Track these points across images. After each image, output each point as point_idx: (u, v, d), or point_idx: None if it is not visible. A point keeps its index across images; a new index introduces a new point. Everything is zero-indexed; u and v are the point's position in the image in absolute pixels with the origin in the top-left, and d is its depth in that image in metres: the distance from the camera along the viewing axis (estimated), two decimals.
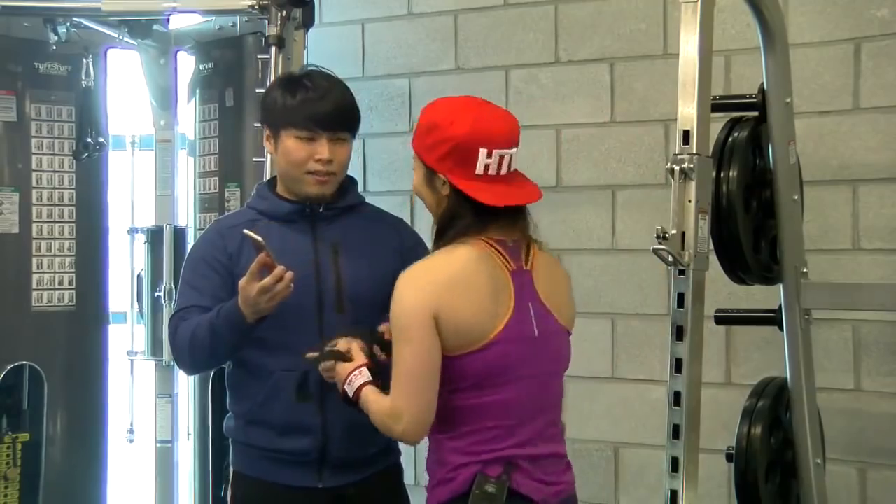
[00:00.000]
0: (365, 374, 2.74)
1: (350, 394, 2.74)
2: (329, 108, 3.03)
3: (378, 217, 3.26)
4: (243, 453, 3.15)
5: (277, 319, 2.91)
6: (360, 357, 2.78)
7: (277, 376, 3.02)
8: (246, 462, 3.14)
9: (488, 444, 2.62)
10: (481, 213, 2.63)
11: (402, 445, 3.22)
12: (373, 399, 2.69)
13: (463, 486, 2.61)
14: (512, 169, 2.67)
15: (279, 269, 2.80)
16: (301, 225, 3.06)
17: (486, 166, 2.62)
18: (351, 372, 2.75)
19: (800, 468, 3.48)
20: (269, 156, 3.83)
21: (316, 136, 3.02)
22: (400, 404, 2.60)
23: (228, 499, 3.23)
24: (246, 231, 2.84)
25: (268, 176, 3.82)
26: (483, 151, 2.61)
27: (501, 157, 2.63)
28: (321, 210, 3.10)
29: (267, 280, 2.79)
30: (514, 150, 2.66)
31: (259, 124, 3.20)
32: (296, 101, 3.03)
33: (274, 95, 3.09)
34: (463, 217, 2.63)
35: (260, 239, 2.79)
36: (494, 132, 2.64)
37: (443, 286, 2.58)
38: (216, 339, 2.94)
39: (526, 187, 2.70)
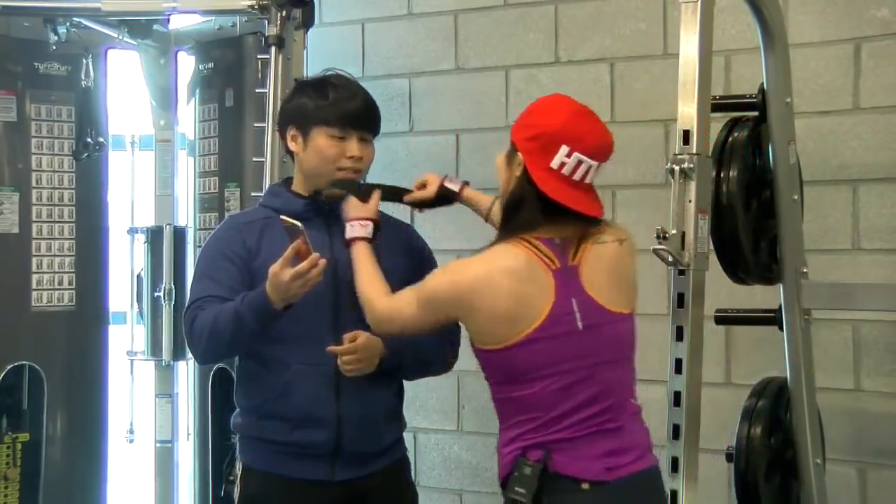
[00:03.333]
0: (369, 231, 3.02)
1: (347, 235, 3.02)
2: (359, 107, 3.13)
3: (386, 219, 3.28)
4: (255, 448, 3.15)
5: (295, 314, 2.94)
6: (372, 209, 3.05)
7: (294, 369, 3.04)
8: (258, 456, 3.14)
9: (532, 433, 2.69)
10: (542, 208, 2.70)
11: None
12: (373, 275, 2.95)
13: (505, 469, 2.72)
14: (588, 180, 2.72)
15: (314, 255, 2.84)
16: (316, 222, 3.08)
17: (563, 164, 2.68)
18: (359, 218, 3.01)
19: (800, 468, 3.48)
20: (270, 156, 3.84)
21: (347, 134, 3.10)
22: (399, 316, 2.86)
23: (237, 494, 3.23)
24: (283, 217, 2.88)
25: (267, 176, 3.82)
26: (565, 149, 2.67)
27: (580, 162, 2.68)
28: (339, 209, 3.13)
29: (302, 265, 2.82)
30: (596, 164, 2.71)
31: (279, 128, 3.21)
32: (328, 100, 3.10)
33: (303, 97, 3.15)
34: (526, 207, 2.71)
35: (298, 224, 2.83)
36: (584, 137, 2.69)
37: (469, 284, 2.70)
38: (239, 325, 2.96)
39: (592, 201, 2.76)
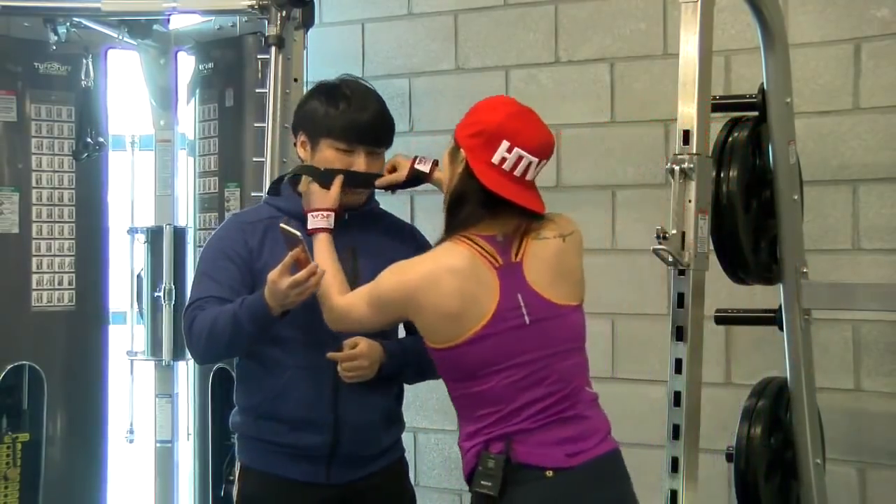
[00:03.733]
0: (330, 222, 3.00)
1: (309, 226, 2.99)
2: (369, 122, 3.08)
3: (391, 222, 3.29)
4: (252, 448, 3.15)
5: (296, 317, 2.94)
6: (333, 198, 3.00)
7: (292, 372, 3.05)
8: (255, 456, 3.14)
9: (491, 427, 2.74)
10: (484, 201, 2.76)
11: (404, 443, 3.26)
12: (333, 270, 2.93)
13: (469, 464, 2.78)
14: (529, 177, 2.78)
15: (312, 264, 2.83)
16: None
17: (503, 159, 2.74)
18: (321, 209, 3.00)
19: (800, 468, 3.48)
20: (270, 156, 3.84)
21: (354, 148, 3.06)
22: (353, 314, 2.89)
23: (234, 493, 3.23)
24: (282, 225, 2.87)
25: (267, 176, 3.82)
26: (505, 144, 2.74)
27: (520, 157, 2.74)
28: (346, 217, 3.11)
29: (300, 274, 2.81)
30: (537, 160, 2.76)
31: (292, 130, 3.20)
32: (338, 111, 3.06)
33: (314, 104, 3.11)
34: (468, 201, 2.77)
35: (297, 233, 2.82)
36: (523, 134, 2.76)
37: (415, 284, 2.77)
38: (237, 329, 2.95)
39: (533, 196, 2.81)
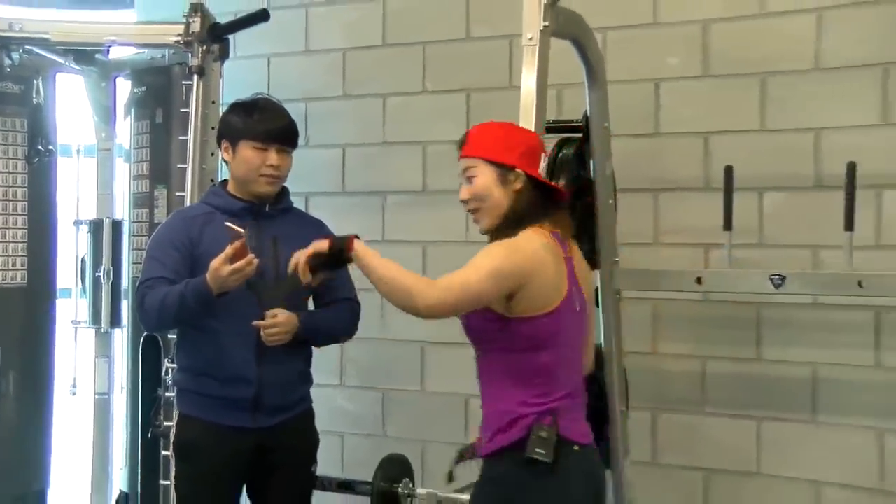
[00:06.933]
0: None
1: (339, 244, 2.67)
2: (278, 126, 3.18)
3: (304, 218, 3.37)
4: (191, 399, 3.19)
5: (229, 294, 2.98)
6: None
7: (225, 338, 3.09)
8: (193, 406, 3.18)
9: (541, 398, 2.61)
10: (544, 205, 2.66)
11: (312, 393, 3.29)
12: (387, 262, 2.60)
13: (521, 432, 2.59)
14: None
15: (249, 256, 2.89)
16: (247, 219, 3.11)
17: (543, 169, 2.73)
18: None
19: (610, 414, 3.55)
20: (191, 163, 3.82)
21: (268, 146, 3.13)
22: (472, 289, 2.52)
23: (172, 438, 3.27)
24: (227, 223, 2.91)
25: (189, 179, 3.81)
26: (542, 156, 2.73)
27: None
28: (267, 209, 3.19)
29: (240, 263, 2.88)
30: None
31: (217, 141, 3.27)
32: (253, 119, 3.15)
33: (235, 116, 3.19)
34: (536, 208, 2.64)
35: (241, 229, 2.87)
36: (541, 145, 2.76)
37: (530, 257, 2.57)
38: (183, 306, 3.00)
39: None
